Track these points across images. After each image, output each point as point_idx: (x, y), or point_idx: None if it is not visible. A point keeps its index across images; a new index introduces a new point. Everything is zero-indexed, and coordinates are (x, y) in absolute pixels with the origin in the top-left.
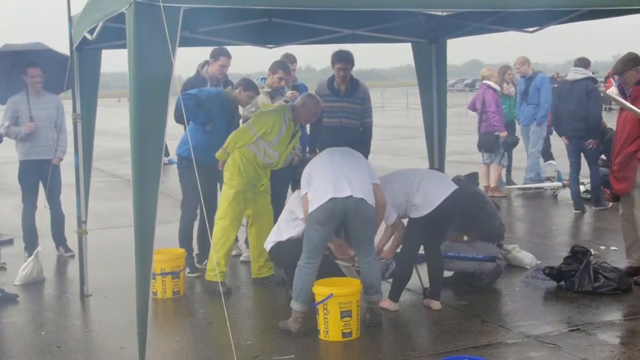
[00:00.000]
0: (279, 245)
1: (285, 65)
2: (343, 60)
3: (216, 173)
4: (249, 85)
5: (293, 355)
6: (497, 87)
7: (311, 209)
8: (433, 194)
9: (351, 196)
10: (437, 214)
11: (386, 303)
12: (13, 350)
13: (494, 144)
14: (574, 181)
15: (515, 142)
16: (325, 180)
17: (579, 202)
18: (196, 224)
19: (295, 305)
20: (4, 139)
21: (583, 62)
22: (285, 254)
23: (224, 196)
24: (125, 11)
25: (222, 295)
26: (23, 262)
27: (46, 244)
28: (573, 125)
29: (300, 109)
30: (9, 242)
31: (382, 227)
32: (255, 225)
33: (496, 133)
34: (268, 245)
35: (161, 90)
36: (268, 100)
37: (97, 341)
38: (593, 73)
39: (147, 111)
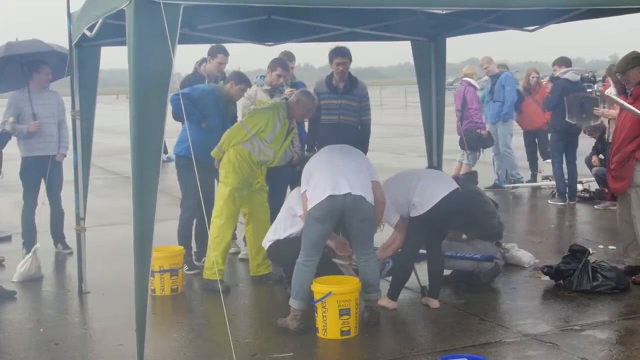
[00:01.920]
0: (277, 244)
1: (283, 62)
2: (341, 54)
3: (213, 171)
4: (240, 78)
5: (292, 353)
6: (477, 85)
7: (309, 206)
8: (430, 193)
9: (349, 193)
10: (434, 213)
11: (384, 301)
12: (11, 347)
13: (476, 142)
14: (562, 177)
15: (490, 144)
16: (324, 177)
17: (564, 195)
18: (195, 221)
19: (294, 303)
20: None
21: (568, 62)
22: (284, 253)
23: (220, 194)
24: (125, 8)
25: (220, 293)
26: (21, 259)
27: (44, 240)
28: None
29: (295, 106)
30: (7, 238)
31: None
32: (251, 223)
33: (478, 130)
34: (266, 243)
35: (161, 88)
36: (267, 97)
37: (95, 338)
38: (589, 72)
39: (146, 108)
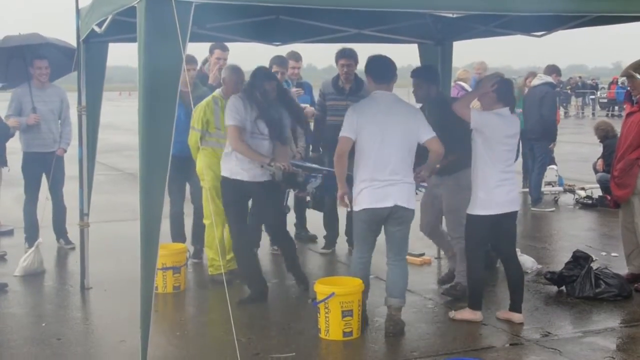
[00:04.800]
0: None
1: (279, 59)
2: (347, 56)
3: (185, 164)
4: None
5: (294, 353)
6: (470, 90)
7: (357, 205)
8: (494, 198)
9: (394, 206)
10: (485, 222)
11: (467, 314)
12: (13, 342)
13: None
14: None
15: None
16: (369, 182)
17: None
18: (189, 221)
19: None
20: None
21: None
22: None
23: (204, 196)
24: (136, 5)
25: (226, 290)
26: (23, 253)
27: (47, 235)
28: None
29: (225, 84)
30: (10, 232)
31: None
32: None
33: None
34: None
35: (170, 85)
36: None
37: (97, 334)
38: (592, 79)
39: (156, 105)
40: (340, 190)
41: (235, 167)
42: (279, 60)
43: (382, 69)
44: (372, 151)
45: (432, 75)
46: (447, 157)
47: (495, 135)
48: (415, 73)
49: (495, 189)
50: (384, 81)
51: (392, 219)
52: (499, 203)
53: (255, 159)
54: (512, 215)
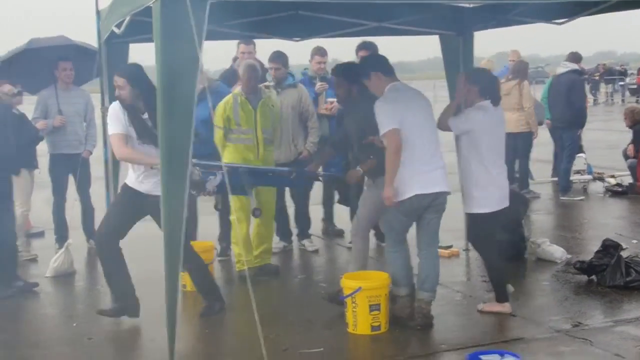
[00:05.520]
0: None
1: (274, 55)
2: (366, 48)
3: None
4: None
5: (322, 348)
6: None
7: (404, 194)
8: (487, 196)
9: (439, 192)
10: (485, 218)
11: (497, 307)
12: (46, 342)
13: None
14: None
15: None
16: (417, 168)
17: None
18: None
19: (397, 290)
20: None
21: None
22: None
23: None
24: (152, 5)
25: (249, 286)
26: (54, 254)
27: (77, 236)
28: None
29: (241, 81)
30: (40, 234)
31: None
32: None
33: None
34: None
35: (188, 84)
36: (273, 92)
37: (128, 333)
38: (620, 65)
39: (174, 104)
40: (390, 189)
41: (136, 179)
42: (273, 57)
43: (386, 62)
44: (415, 139)
45: (352, 74)
46: (367, 162)
47: (482, 129)
48: (335, 72)
49: (488, 186)
50: (393, 73)
51: (432, 206)
52: (493, 200)
53: (144, 162)
54: (502, 213)
